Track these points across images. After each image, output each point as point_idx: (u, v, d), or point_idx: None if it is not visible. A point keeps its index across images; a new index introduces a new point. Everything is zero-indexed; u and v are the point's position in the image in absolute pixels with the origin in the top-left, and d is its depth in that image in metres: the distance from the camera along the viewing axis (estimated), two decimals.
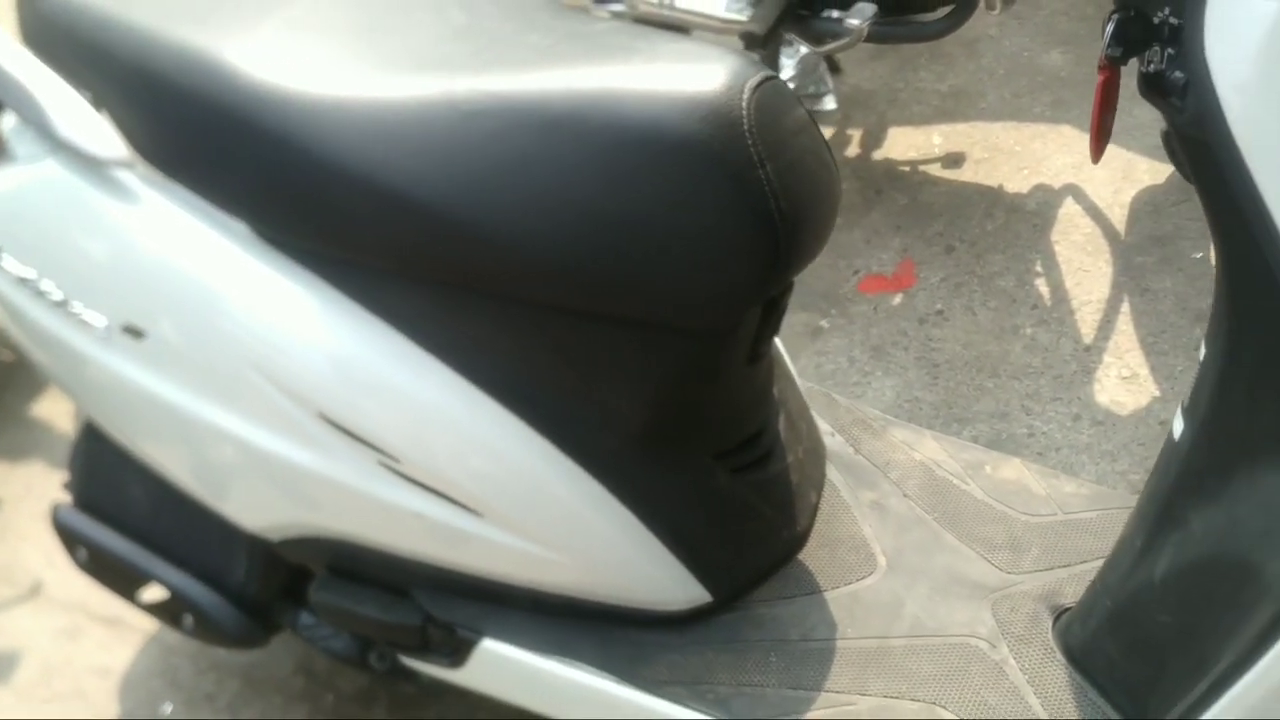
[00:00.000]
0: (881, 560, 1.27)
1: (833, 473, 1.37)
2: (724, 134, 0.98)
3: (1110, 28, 0.80)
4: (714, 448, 1.20)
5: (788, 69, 2.43)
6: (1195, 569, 0.98)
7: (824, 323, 2.09)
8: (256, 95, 1.07)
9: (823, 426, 1.43)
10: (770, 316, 1.13)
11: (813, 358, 2.03)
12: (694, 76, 1.01)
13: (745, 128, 0.98)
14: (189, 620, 1.41)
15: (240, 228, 1.14)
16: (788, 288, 1.15)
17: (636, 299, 1.04)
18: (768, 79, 1.03)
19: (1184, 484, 0.98)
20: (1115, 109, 0.89)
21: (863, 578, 1.26)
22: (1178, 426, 0.98)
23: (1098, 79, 0.86)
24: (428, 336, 1.12)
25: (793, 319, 2.08)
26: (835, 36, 2.09)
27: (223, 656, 1.68)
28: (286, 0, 1.16)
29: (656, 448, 1.15)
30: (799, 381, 1.42)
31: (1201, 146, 0.76)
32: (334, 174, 1.05)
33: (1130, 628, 1.06)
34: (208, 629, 1.40)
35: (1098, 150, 0.89)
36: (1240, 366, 0.89)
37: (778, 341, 1.40)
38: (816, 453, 1.35)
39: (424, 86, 1.05)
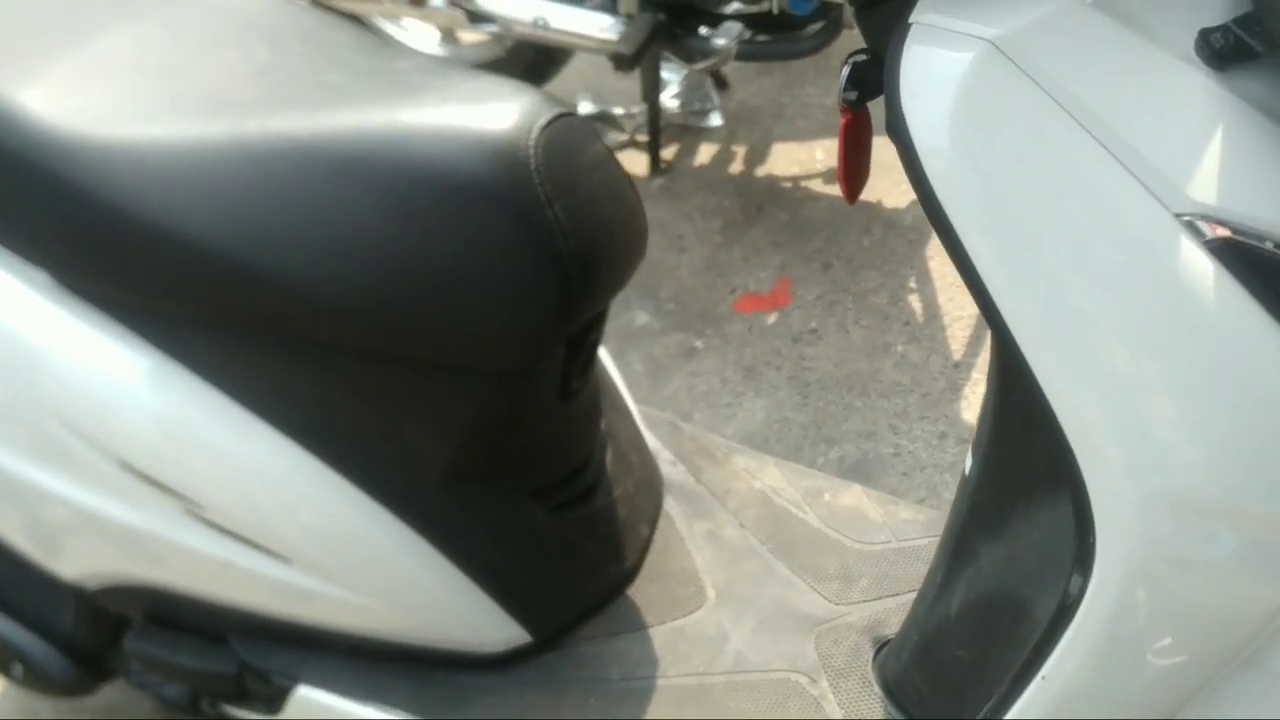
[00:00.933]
0: (711, 594, 1.27)
1: (671, 503, 1.36)
2: (510, 173, 0.97)
3: (846, 70, 0.80)
4: (530, 485, 1.19)
5: (672, 86, 2.44)
6: (982, 604, 0.98)
7: (699, 343, 2.08)
8: (49, 140, 1.05)
9: (665, 455, 1.42)
10: (578, 353, 1.12)
11: (686, 379, 2.02)
12: (484, 116, 1.00)
13: (532, 167, 0.97)
14: (18, 669, 1.37)
15: (41, 276, 1.11)
16: (596, 322, 1.14)
17: (431, 340, 1.03)
18: (560, 116, 1.02)
19: (973, 519, 0.98)
20: (868, 150, 0.89)
21: (690, 612, 1.25)
22: (968, 461, 0.98)
23: (840, 121, 0.85)
24: (229, 382, 1.10)
25: (668, 340, 2.07)
26: (706, 55, 2.08)
27: (87, 699, 1.63)
28: (89, 39, 1.13)
29: (467, 488, 1.14)
30: (636, 410, 1.41)
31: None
32: (126, 221, 1.02)
33: (934, 662, 1.06)
34: (37, 677, 1.36)
35: (850, 192, 0.89)
36: (1012, 404, 0.89)
37: (612, 371, 1.39)
38: (651, 484, 1.34)
39: (216, 129, 1.03)
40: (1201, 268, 0.67)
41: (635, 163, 2.46)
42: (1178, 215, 0.67)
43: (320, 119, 1.02)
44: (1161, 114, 0.68)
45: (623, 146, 2.50)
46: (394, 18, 2.51)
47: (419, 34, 2.59)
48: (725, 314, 2.12)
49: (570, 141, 1.03)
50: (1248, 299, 0.67)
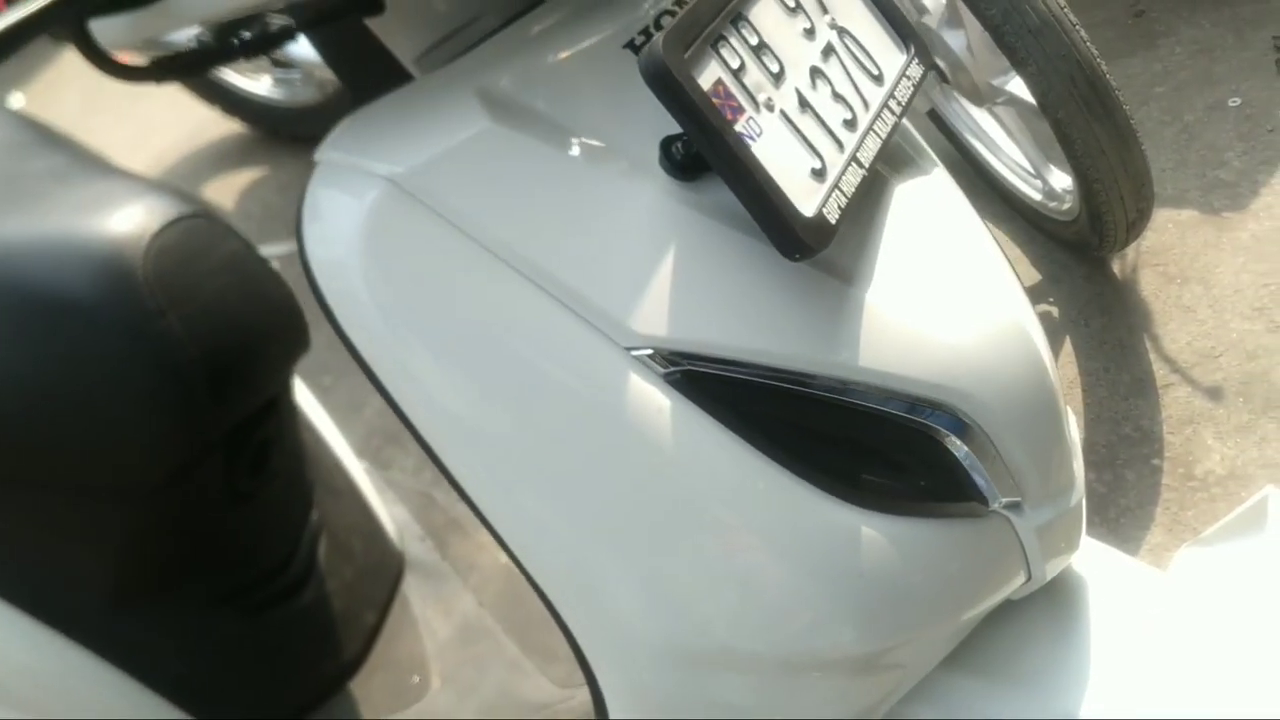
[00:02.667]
0: (436, 682, 1.22)
1: (411, 583, 1.32)
2: (117, 287, 0.93)
3: None
4: (220, 590, 1.14)
5: None
6: None
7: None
8: None
9: (414, 530, 1.38)
10: (240, 455, 1.08)
11: None
12: (96, 225, 0.95)
13: (141, 278, 0.93)
14: None
15: None
16: (262, 420, 1.09)
17: (61, 462, 0.99)
18: (181, 219, 0.97)
19: None
20: None
21: (412, 703, 1.21)
22: None
23: None
24: None
25: None
26: None
27: None
28: None
29: (141, 601, 1.09)
30: (372, 488, 1.36)
31: None
32: None
33: None
34: None
35: None
36: None
37: (340, 451, 1.34)
38: (381, 568, 1.30)
39: None
40: (658, 403, 0.62)
41: None
42: (629, 350, 0.62)
43: None
44: (603, 245, 0.63)
45: None
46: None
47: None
48: None
49: (191, 245, 0.98)
50: (715, 428, 0.62)
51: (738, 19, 0.63)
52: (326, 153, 0.67)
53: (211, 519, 1.09)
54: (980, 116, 1.77)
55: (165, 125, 2.93)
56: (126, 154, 2.64)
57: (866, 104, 0.69)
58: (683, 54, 0.58)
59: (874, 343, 0.64)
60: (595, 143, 0.64)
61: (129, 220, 0.95)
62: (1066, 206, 1.61)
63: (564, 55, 0.66)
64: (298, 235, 0.66)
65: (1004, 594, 0.72)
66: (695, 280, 0.63)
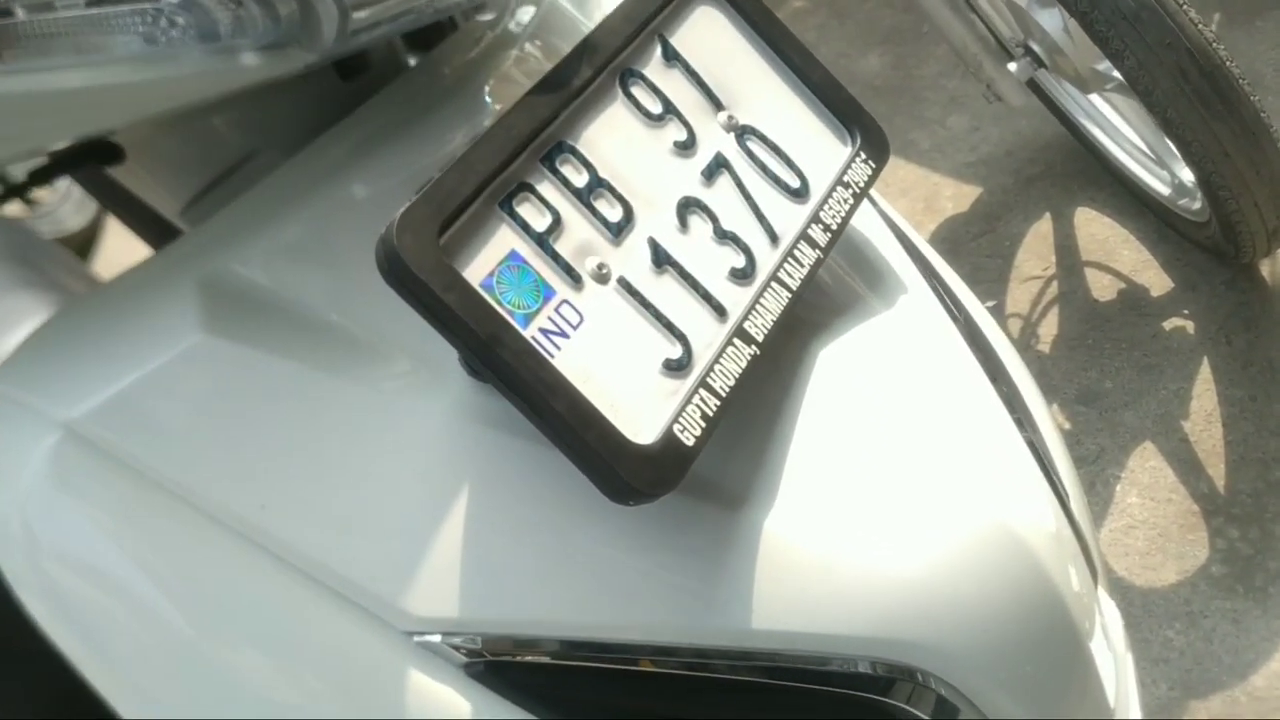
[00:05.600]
0: None
1: None
2: None
3: None
4: None
5: None
6: None
7: None
8: None
9: None
10: None
11: None
12: None
13: None
14: None
15: None
16: None
17: None
18: None
19: None
20: None
21: None
22: None
23: None
24: None
25: None
26: None
27: None
28: None
29: None
30: None
31: None
32: None
33: None
34: None
35: None
36: None
37: None
38: None
39: None
40: (453, 707, 0.46)
41: None
42: (411, 635, 0.46)
43: None
44: (369, 494, 0.47)
45: None
46: None
47: None
48: None
49: None
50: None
51: (553, 154, 0.45)
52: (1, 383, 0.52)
53: None
54: (1094, 98, 1.50)
55: None
56: None
57: (775, 237, 0.50)
58: (435, 236, 0.41)
59: (773, 591, 0.45)
60: (367, 335, 0.48)
61: None
62: (1197, 206, 1.35)
63: (344, 207, 0.49)
64: None
65: None
66: (504, 533, 0.46)
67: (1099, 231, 1.61)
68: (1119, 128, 1.50)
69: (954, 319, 0.59)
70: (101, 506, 0.49)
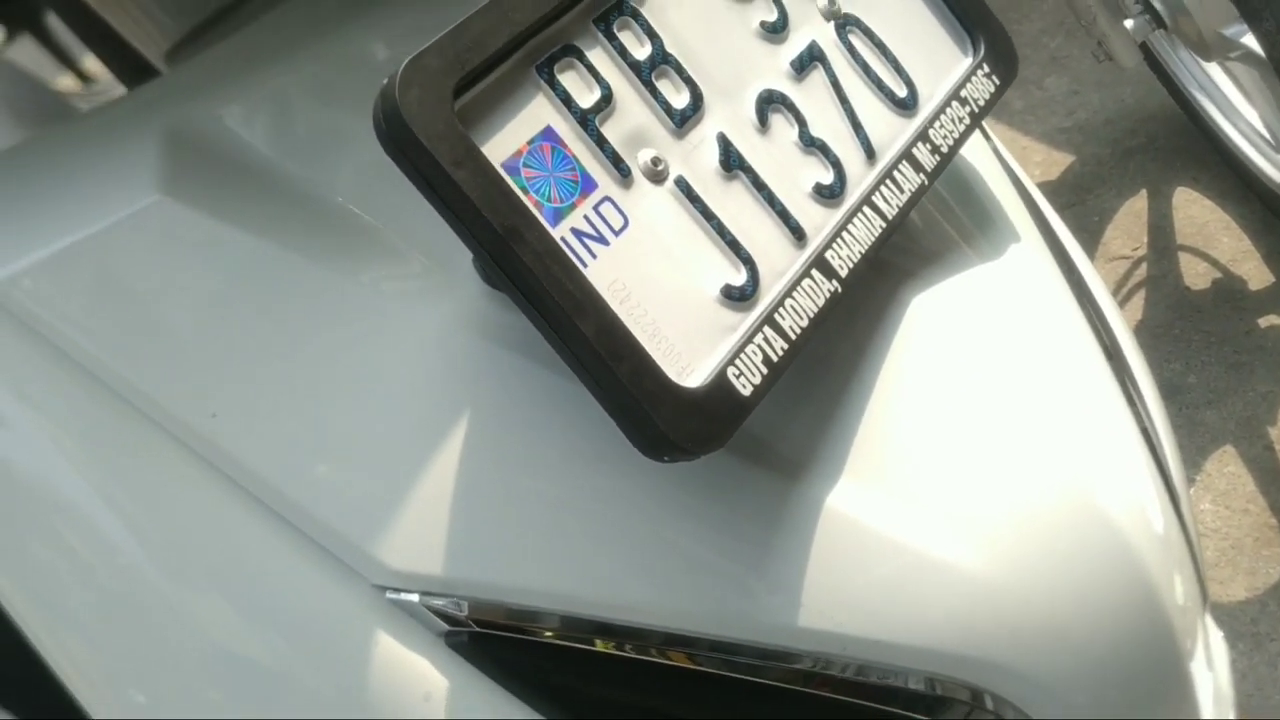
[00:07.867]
0: None
1: None
2: None
3: None
4: None
5: None
6: None
7: None
8: None
9: None
10: None
11: None
12: None
13: None
14: None
15: None
16: None
17: None
18: None
19: None
20: None
21: None
22: None
23: None
24: None
25: None
26: None
27: None
28: None
29: None
30: None
31: None
32: None
33: None
34: None
35: None
36: None
37: None
38: None
39: None
40: (426, 680, 0.37)
41: None
42: (383, 590, 0.37)
43: None
44: (342, 416, 0.38)
45: None
46: None
47: None
48: None
49: None
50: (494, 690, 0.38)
51: (611, 14, 0.36)
52: None
53: None
54: (1211, 68, 1.38)
55: None
56: None
57: (872, 152, 0.40)
58: (449, 95, 0.32)
59: (829, 582, 0.37)
60: (362, 217, 0.39)
61: None
62: None
63: (349, 60, 0.40)
64: None
65: None
66: (506, 478, 0.37)
67: (1198, 214, 1.49)
68: (1235, 103, 1.38)
69: (1069, 281, 0.50)
70: (12, 388, 0.40)
